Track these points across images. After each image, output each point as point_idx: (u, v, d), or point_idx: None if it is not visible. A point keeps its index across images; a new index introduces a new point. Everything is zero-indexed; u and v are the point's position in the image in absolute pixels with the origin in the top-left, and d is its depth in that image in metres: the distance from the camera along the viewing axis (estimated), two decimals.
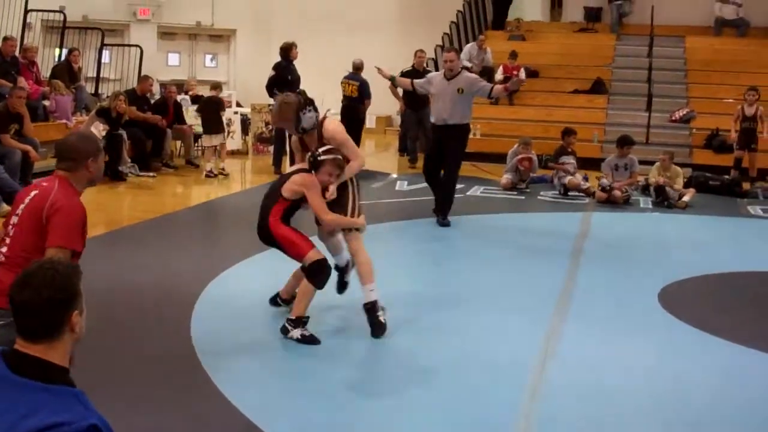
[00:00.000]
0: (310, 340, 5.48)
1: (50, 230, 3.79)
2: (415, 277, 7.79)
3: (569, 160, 12.56)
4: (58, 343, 2.41)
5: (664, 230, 10.47)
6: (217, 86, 14.20)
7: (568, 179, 12.31)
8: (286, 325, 5.55)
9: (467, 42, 18.86)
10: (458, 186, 12.49)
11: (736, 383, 5.22)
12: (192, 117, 15.03)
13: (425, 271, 8.04)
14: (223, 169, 13.32)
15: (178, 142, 14.75)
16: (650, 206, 11.75)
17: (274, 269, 6.67)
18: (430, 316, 6.30)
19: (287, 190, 5.49)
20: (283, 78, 13.26)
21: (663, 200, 11.76)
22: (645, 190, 12.41)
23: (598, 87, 17.60)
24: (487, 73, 17.47)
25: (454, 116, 9.42)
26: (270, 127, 15.40)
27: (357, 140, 14.35)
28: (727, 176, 13.53)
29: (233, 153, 15.63)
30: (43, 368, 2.35)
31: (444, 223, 9.60)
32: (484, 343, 5.72)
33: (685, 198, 11.76)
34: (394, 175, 13.80)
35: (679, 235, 10.19)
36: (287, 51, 13.54)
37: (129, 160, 12.70)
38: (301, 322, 5.53)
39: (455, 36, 19.28)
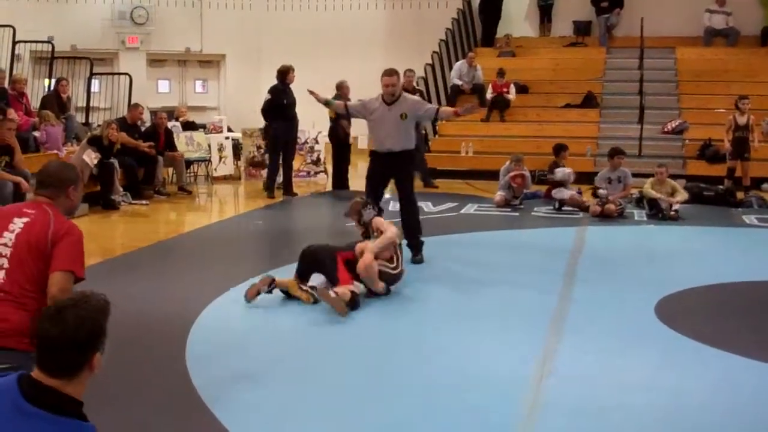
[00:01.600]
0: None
1: (57, 254, 3.62)
2: (408, 296, 7.73)
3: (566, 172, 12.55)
4: (76, 379, 2.45)
5: (660, 242, 10.44)
6: None
7: (565, 193, 12.31)
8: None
9: (457, 60, 18.89)
10: (452, 204, 12.55)
11: (736, 394, 5.15)
12: (183, 143, 15.04)
13: (419, 289, 7.97)
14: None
15: (170, 169, 14.73)
16: (645, 219, 11.72)
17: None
18: (426, 334, 6.25)
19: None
20: (279, 102, 13.24)
21: (657, 212, 11.71)
22: (639, 202, 12.38)
23: (589, 101, 17.62)
24: (478, 90, 17.54)
25: (399, 143, 8.68)
26: (262, 151, 15.41)
27: (346, 159, 14.32)
28: (721, 186, 13.53)
29: (225, 178, 15.64)
30: (58, 400, 2.38)
31: (418, 260, 8.76)
32: (481, 360, 5.66)
33: (675, 206, 11.71)
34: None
35: (675, 246, 10.15)
36: (284, 74, 13.46)
37: (121, 189, 12.70)
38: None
39: (444, 54, 19.31)
